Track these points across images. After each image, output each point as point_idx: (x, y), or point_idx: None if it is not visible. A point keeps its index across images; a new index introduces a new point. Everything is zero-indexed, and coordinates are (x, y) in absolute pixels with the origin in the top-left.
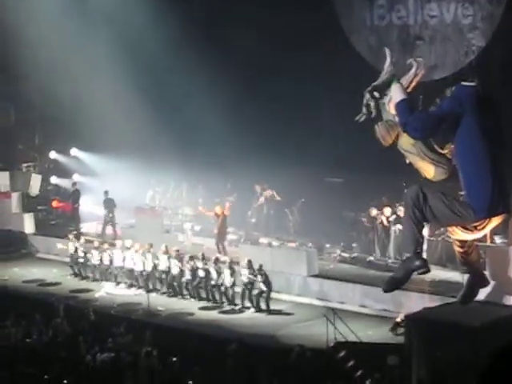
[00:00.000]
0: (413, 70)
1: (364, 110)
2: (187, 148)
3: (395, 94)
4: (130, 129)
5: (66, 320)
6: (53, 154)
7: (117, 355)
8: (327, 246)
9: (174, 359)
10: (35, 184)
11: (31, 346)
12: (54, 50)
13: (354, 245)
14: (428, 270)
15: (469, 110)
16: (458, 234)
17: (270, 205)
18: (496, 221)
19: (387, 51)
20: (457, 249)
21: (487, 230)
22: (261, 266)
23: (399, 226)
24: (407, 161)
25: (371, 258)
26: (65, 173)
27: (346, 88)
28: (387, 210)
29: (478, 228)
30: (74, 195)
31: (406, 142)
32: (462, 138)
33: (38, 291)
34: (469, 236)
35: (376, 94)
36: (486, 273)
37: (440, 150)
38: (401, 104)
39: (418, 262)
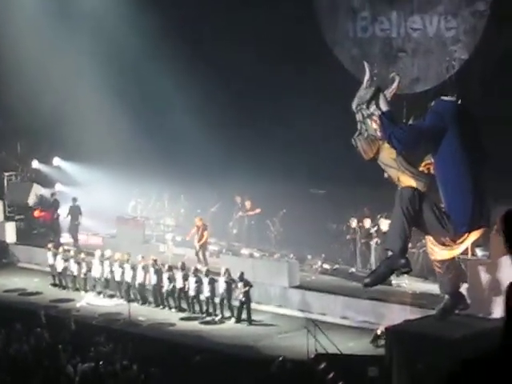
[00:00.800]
0: (395, 84)
1: (361, 126)
2: (170, 158)
3: (380, 106)
4: (113, 139)
5: (46, 330)
6: (35, 164)
7: (97, 365)
8: (309, 257)
9: (155, 370)
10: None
11: (12, 355)
12: (38, 59)
13: (335, 256)
14: (410, 270)
15: (450, 125)
16: (436, 253)
17: (251, 216)
18: (475, 235)
19: (366, 65)
20: (437, 269)
21: (466, 244)
22: (242, 273)
23: (379, 238)
24: (385, 175)
25: (352, 270)
26: (47, 182)
27: (331, 102)
28: (367, 222)
29: (457, 242)
30: (54, 205)
31: (386, 157)
32: (443, 155)
33: (19, 300)
34: (447, 253)
35: (368, 109)
36: (467, 285)
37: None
38: (386, 115)
39: (402, 261)
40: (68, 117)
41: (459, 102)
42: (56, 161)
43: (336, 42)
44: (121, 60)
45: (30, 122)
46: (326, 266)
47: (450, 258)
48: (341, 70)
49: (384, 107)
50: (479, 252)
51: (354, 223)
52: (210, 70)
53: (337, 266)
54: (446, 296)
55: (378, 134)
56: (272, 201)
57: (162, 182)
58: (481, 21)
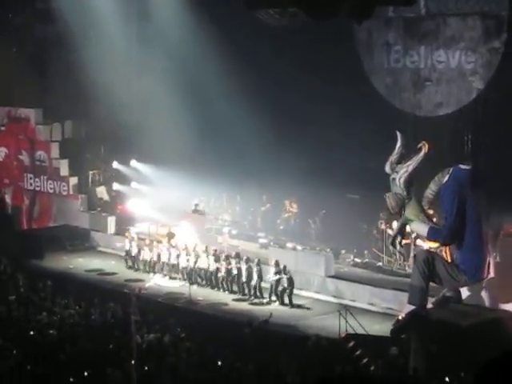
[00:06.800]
0: (422, 153)
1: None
2: (230, 164)
3: (420, 230)
4: (181, 145)
5: (120, 304)
6: (115, 164)
7: (161, 336)
8: (343, 251)
9: (209, 341)
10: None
11: (90, 325)
12: (120, 77)
13: (365, 252)
14: None
15: (466, 190)
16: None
17: (296, 215)
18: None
19: (399, 135)
20: None
21: None
22: (285, 266)
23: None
24: (408, 228)
25: (379, 264)
26: (125, 180)
27: (367, 123)
28: (394, 223)
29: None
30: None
31: (411, 213)
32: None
33: (98, 279)
34: None
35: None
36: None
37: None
38: (430, 232)
39: (423, 313)
40: (144, 125)
41: (473, 169)
42: (133, 163)
43: (372, 72)
44: (190, 77)
45: (113, 130)
46: (357, 260)
47: None
48: (377, 96)
49: (424, 228)
50: None
51: (382, 225)
52: (267, 89)
53: (366, 260)
54: (445, 289)
55: (404, 192)
56: (314, 202)
57: (221, 184)
58: (496, 56)
